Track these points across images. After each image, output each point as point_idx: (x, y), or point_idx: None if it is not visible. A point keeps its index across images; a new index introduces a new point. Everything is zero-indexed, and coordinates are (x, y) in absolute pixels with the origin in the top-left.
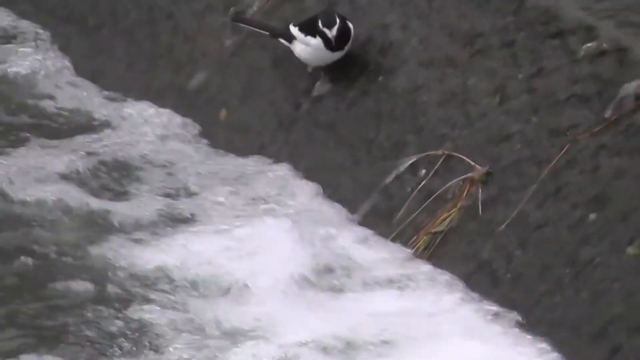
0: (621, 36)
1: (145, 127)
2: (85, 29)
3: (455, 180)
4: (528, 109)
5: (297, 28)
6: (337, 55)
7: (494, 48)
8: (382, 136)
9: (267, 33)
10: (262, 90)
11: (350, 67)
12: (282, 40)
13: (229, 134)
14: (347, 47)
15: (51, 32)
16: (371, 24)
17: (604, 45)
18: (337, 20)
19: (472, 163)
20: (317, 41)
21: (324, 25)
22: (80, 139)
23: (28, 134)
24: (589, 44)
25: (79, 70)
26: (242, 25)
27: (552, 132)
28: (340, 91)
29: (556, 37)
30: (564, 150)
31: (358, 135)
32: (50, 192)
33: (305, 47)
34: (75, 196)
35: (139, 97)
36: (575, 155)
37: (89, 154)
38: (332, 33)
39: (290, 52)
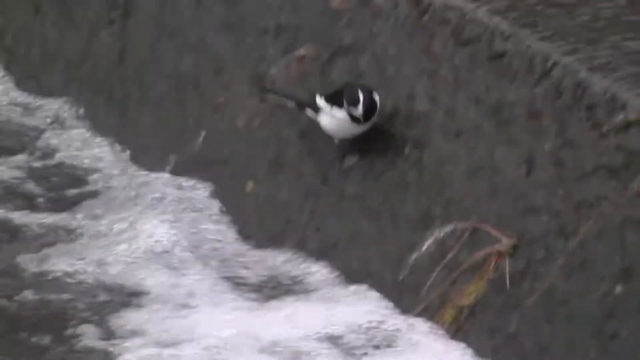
0: None
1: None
2: (112, 100)
3: (482, 253)
4: (555, 180)
5: (323, 99)
6: (364, 127)
7: (520, 119)
8: (409, 208)
9: (294, 103)
10: (290, 162)
11: (377, 138)
12: (308, 111)
13: (255, 206)
14: (373, 119)
15: (78, 103)
16: (398, 95)
17: (630, 116)
18: (361, 96)
19: (499, 235)
20: (343, 114)
21: (349, 104)
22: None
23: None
24: (616, 116)
25: (106, 141)
26: (270, 94)
27: (579, 204)
28: (367, 163)
29: (583, 108)
30: (591, 222)
31: (385, 207)
32: None
33: (332, 119)
34: None
35: (166, 167)
36: (602, 227)
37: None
38: (358, 111)
39: (316, 124)
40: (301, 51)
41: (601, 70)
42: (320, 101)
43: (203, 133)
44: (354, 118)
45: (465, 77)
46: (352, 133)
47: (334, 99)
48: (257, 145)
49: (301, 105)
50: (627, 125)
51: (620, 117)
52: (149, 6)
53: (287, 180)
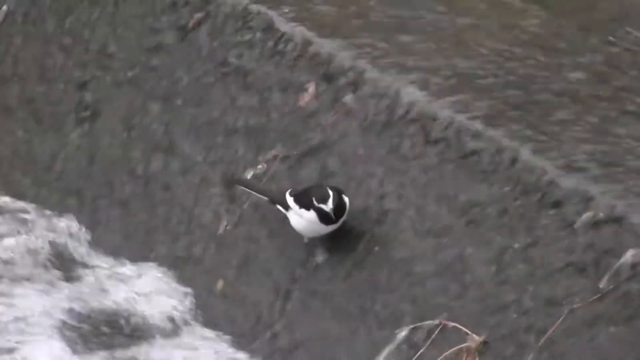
0: (618, 204)
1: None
2: (82, 202)
3: (451, 350)
4: (524, 278)
5: (292, 198)
6: (332, 227)
7: (490, 217)
8: (379, 306)
9: (266, 198)
10: (259, 261)
11: (346, 237)
12: (279, 208)
13: (226, 305)
14: (342, 220)
15: (48, 206)
16: (367, 194)
17: (600, 214)
18: (330, 193)
19: (469, 332)
20: (311, 214)
21: (318, 202)
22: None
23: None
24: (585, 214)
25: (76, 243)
26: (241, 188)
27: (549, 301)
28: (337, 261)
29: (552, 206)
30: (561, 319)
31: (354, 306)
32: None
33: (300, 219)
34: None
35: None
36: (572, 324)
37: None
38: (328, 207)
39: (285, 221)
40: (272, 152)
41: (570, 167)
42: (289, 200)
43: (174, 233)
44: (322, 219)
45: (435, 176)
46: (320, 233)
47: (302, 200)
48: (227, 245)
49: (273, 201)
50: (596, 223)
51: (589, 215)
52: (118, 107)
53: (257, 279)
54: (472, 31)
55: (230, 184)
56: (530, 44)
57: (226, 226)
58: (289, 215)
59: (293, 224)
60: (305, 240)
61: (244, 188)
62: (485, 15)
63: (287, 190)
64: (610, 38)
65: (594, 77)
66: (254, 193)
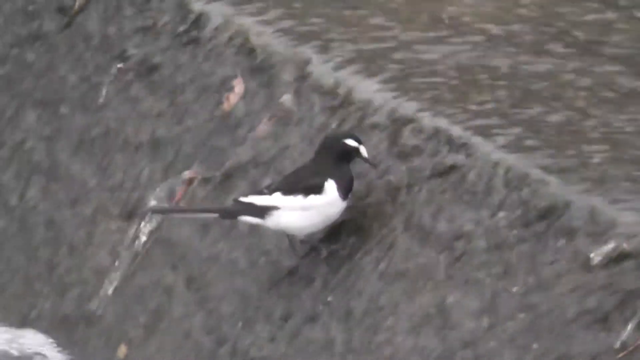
0: None
1: None
2: None
3: None
4: (526, 333)
5: (278, 193)
6: (344, 205)
7: (479, 253)
8: None
9: (215, 215)
10: (174, 318)
11: (295, 283)
12: (246, 219)
13: None
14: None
15: None
16: None
17: (624, 245)
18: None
19: None
20: (326, 195)
21: (358, 141)
22: None
23: None
24: (604, 246)
25: None
26: (174, 215)
27: None
28: (277, 317)
29: (561, 236)
30: None
31: None
32: None
33: (303, 212)
34: None
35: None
36: None
37: None
38: (365, 152)
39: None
40: (188, 173)
41: (582, 186)
42: (272, 199)
43: (60, 284)
44: (341, 191)
45: (405, 199)
46: (332, 218)
47: (302, 186)
48: (132, 297)
49: (229, 215)
50: (619, 258)
51: (610, 247)
52: None
53: (173, 342)
54: None
55: (158, 214)
56: None
57: (131, 272)
58: (273, 218)
59: (285, 224)
60: (297, 248)
61: (177, 215)
62: None
63: (249, 194)
64: None
65: None
66: (193, 216)
